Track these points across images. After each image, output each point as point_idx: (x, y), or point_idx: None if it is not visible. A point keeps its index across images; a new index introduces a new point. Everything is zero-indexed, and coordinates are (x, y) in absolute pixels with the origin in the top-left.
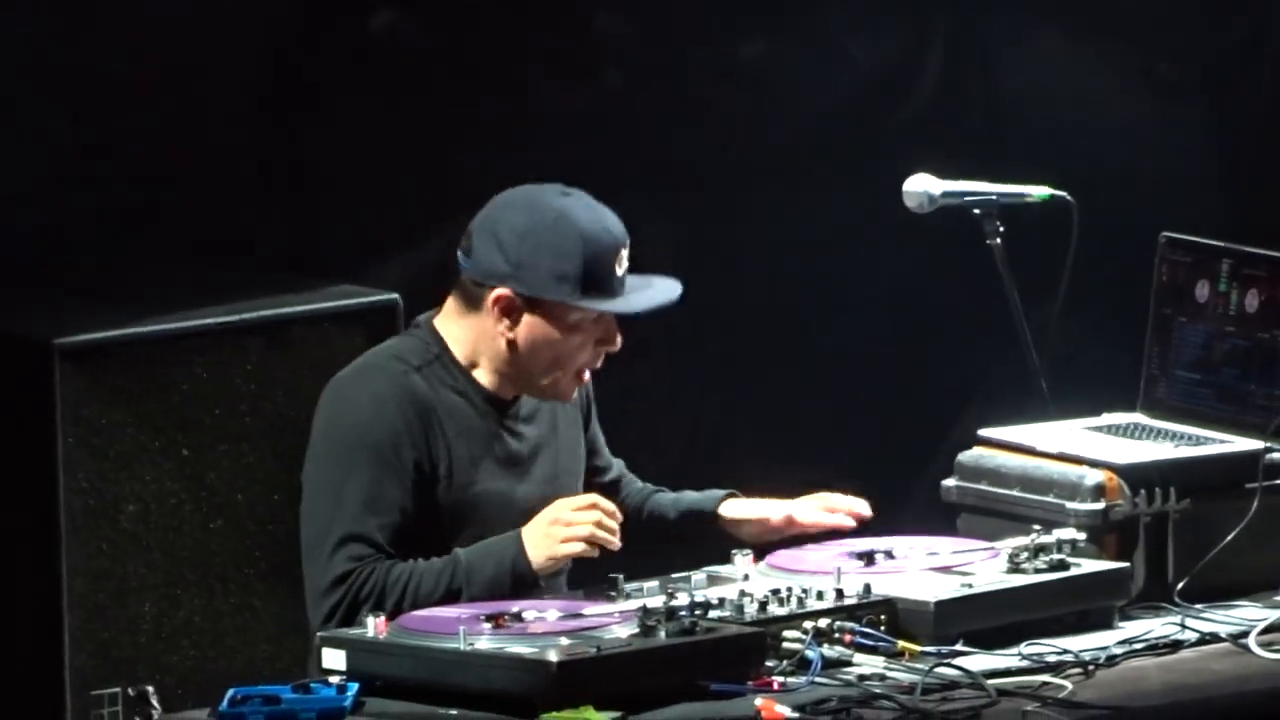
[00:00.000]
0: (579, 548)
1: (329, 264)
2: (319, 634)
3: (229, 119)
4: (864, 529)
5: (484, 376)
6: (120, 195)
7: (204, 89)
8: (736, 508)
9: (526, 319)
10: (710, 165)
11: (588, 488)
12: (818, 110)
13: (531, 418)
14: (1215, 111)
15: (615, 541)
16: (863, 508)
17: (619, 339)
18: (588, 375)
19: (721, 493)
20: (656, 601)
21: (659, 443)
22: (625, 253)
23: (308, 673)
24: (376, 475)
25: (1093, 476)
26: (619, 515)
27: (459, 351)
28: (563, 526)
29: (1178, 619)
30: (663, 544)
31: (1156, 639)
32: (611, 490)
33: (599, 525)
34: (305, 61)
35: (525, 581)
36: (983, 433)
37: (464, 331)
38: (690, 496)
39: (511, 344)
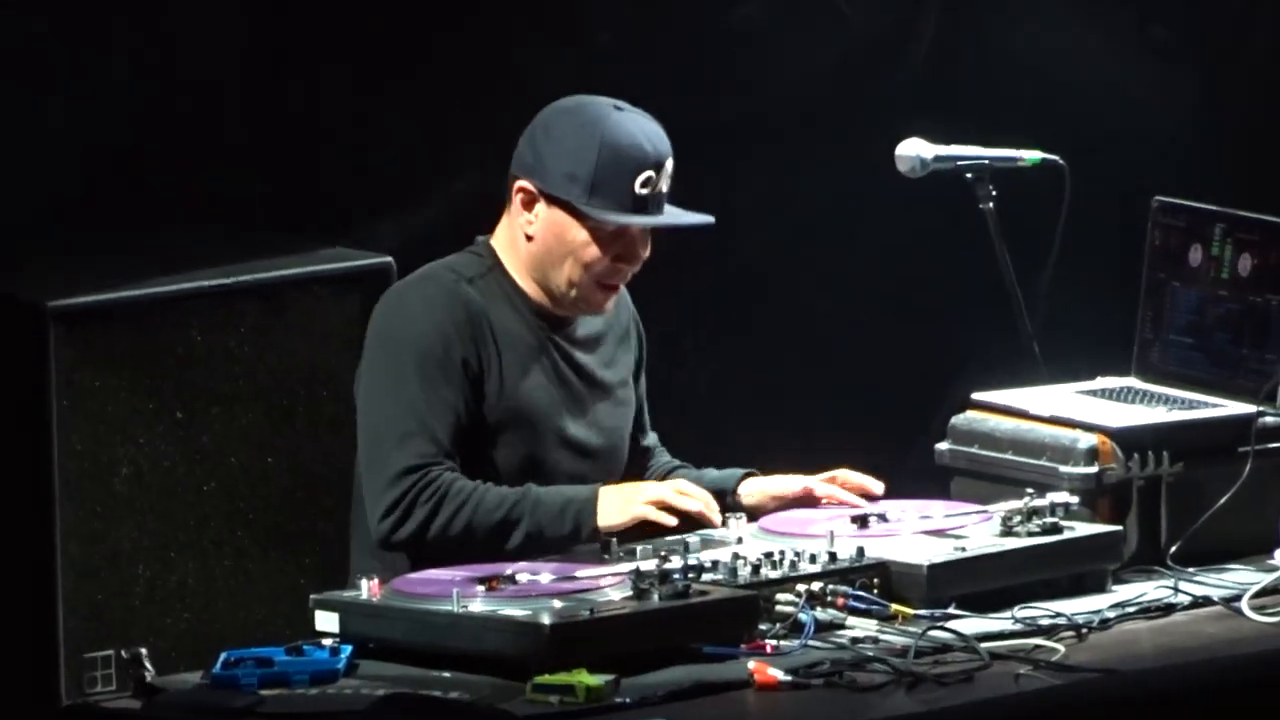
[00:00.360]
0: (656, 516)
1: (320, 227)
2: (312, 596)
3: (218, 81)
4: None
5: (527, 286)
6: (108, 158)
7: (193, 49)
8: (754, 485)
9: (543, 213)
10: (699, 128)
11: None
12: (809, 72)
13: (589, 344)
14: (1210, 74)
15: (694, 508)
16: (875, 486)
17: (640, 257)
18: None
19: (741, 471)
20: (650, 564)
21: (653, 404)
22: (653, 174)
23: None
24: (434, 377)
25: (1086, 440)
26: (710, 509)
27: (507, 262)
28: (644, 493)
29: (1171, 582)
30: None
31: (1149, 602)
32: (640, 458)
33: (679, 499)
34: (294, 22)
35: (581, 535)
36: (976, 396)
37: (505, 234)
38: (711, 475)
39: (531, 238)
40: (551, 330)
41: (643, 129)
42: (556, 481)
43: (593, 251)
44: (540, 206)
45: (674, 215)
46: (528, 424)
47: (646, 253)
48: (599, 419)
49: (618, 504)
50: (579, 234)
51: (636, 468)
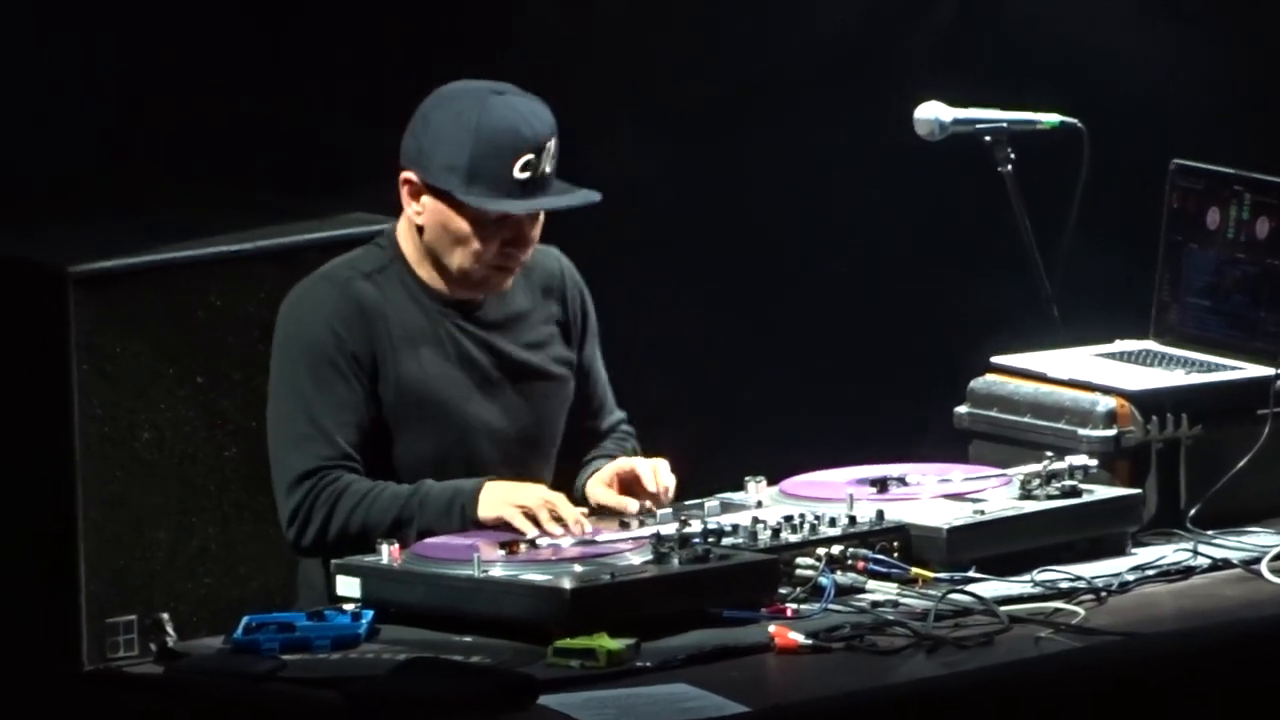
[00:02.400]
0: (520, 524)
1: (332, 191)
2: (333, 561)
3: (225, 41)
4: (878, 456)
5: (427, 275)
6: (125, 123)
7: (209, 12)
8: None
9: (428, 203)
10: (715, 88)
11: (573, 420)
12: (825, 33)
13: (505, 326)
14: (1228, 37)
15: (555, 531)
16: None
17: (530, 240)
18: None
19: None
20: (670, 528)
21: (667, 372)
22: (533, 158)
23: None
24: (327, 377)
25: (1104, 403)
26: (577, 529)
27: (407, 251)
28: (523, 498)
29: (1190, 545)
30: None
31: (1169, 565)
32: (588, 440)
33: (548, 518)
34: None
35: (468, 524)
36: (995, 360)
37: (403, 225)
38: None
39: (420, 229)
40: (458, 315)
41: (520, 112)
42: (482, 470)
43: (478, 240)
44: (425, 198)
45: (557, 196)
46: (432, 413)
47: (536, 234)
48: (521, 402)
49: (494, 500)
50: (463, 224)
51: (582, 451)
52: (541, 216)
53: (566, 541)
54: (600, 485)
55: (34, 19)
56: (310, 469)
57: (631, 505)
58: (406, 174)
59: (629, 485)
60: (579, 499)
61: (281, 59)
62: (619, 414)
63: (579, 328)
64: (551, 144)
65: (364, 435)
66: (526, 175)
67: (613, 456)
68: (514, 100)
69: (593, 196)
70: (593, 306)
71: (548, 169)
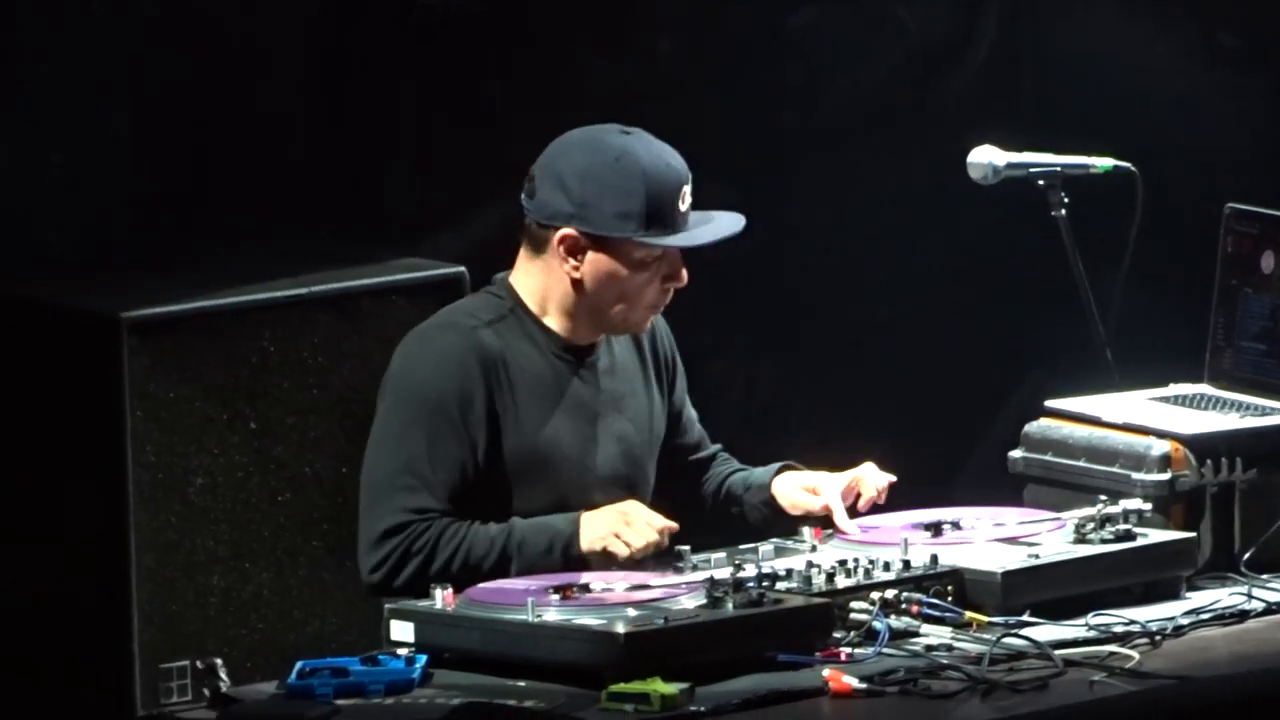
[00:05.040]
0: (624, 555)
1: (382, 238)
2: (387, 606)
3: (276, 93)
4: (929, 500)
5: (556, 323)
6: (177, 171)
7: (259, 62)
8: (782, 487)
9: (591, 256)
10: (764, 136)
11: (670, 460)
12: (870, 79)
13: (610, 371)
14: (1278, 79)
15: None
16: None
17: (685, 275)
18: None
19: (777, 467)
20: (724, 573)
21: (715, 412)
22: (688, 189)
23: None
24: (438, 431)
25: (1159, 447)
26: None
27: (531, 302)
28: (625, 526)
29: (1244, 589)
30: (741, 525)
31: (1223, 609)
32: (696, 469)
33: (656, 546)
34: (352, 33)
35: (571, 562)
36: (1049, 404)
37: (532, 278)
38: (756, 475)
39: (578, 284)
40: (577, 363)
41: (658, 150)
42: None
43: (646, 281)
44: (590, 252)
45: (712, 224)
46: (553, 465)
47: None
48: (625, 447)
49: (600, 532)
50: (633, 271)
51: (691, 483)
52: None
53: (620, 586)
54: (801, 491)
55: (90, 67)
56: (405, 521)
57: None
58: (565, 231)
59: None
60: (755, 499)
61: (337, 106)
62: (715, 445)
63: (670, 370)
64: (691, 174)
65: (469, 490)
66: (685, 207)
67: (735, 471)
68: (646, 138)
69: (739, 219)
70: (676, 349)
71: (692, 198)
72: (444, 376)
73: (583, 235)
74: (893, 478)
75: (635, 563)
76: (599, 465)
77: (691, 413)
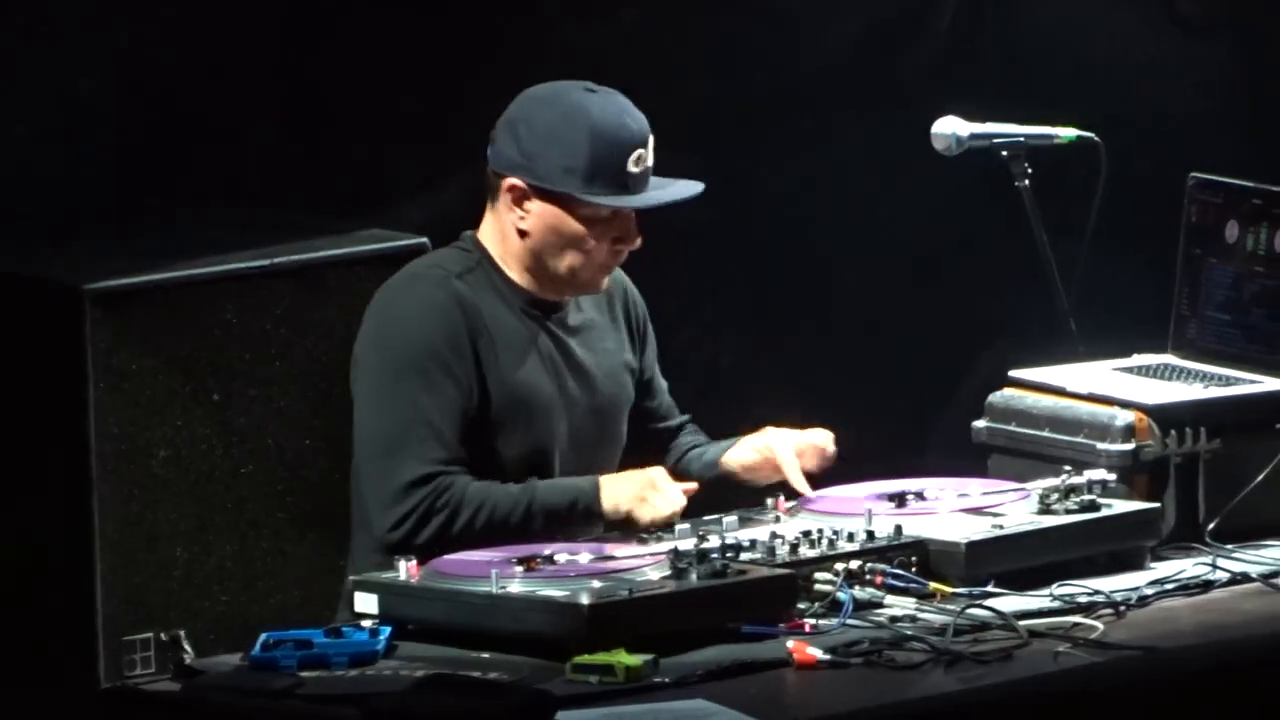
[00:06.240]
0: (649, 519)
1: (346, 206)
2: (350, 578)
3: (240, 63)
4: (894, 471)
5: (518, 277)
6: (139, 140)
7: (222, 31)
8: (734, 456)
9: (538, 207)
10: (730, 104)
11: (636, 426)
12: (834, 49)
13: (581, 329)
14: (1240, 48)
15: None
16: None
17: (637, 238)
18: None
19: (729, 442)
20: (688, 544)
21: (681, 379)
22: (643, 151)
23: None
24: (437, 379)
25: (1123, 417)
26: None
27: (495, 255)
28: (653, 491)
29: (1209, 559)
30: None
31: (1188, 579)
32: (661, 438)
33: (676, 514)
34: (318, 1)
35: (591, 522)
36: (1013, 374)
37: (492, 229)
38: (711, 450)
39: (525, 234)
40: (545, 318)
41: (623, 108)
42: (557, 470)
43: (592, 239)
44: (533, 202)
45: (668, 189)
46: (528, 414)
47: (637, 229)
48: (594, 406)
49: (626, 496)
50: (577, 225)
51: (659, 449)
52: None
53: (584, 558)
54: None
55: (51, 35)
56: (429, 473)
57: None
58: (511, 180)
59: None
60: (707, 475)
61: (299, 76)
62: (683, 415)
63: (640, 335)
64: (651, 137)
65: (468, 434)
66: (638, 170)
67: (695, 445)
68: (613, 97)
69: (695, 186)
70: (648, 315)
71: (651, 162)
72: (429, 325)
73: (529, 186)
74: (833, 449)
75: (655, 529)
76: (572, 418)
77: (661, 381)
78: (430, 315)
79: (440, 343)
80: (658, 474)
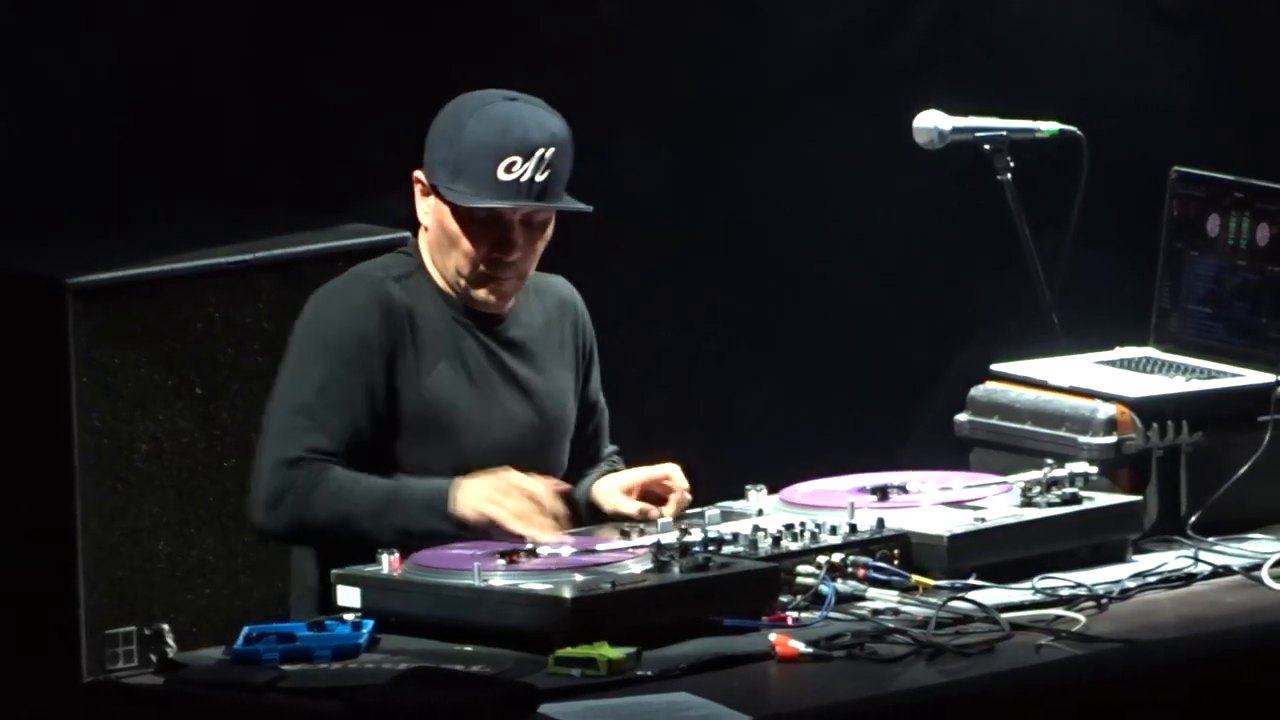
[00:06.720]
0: (505, 521)
1: (328, 201)
2: (334, 571)
3: (220, 57)
4: (876, 464)
5: (446, 284)
6: (124, 135)
7: (202, 25)
8: (598, 490)
9: (431, 202)
10: (710, 98)
11: (570, 448)
12: (816, 43)
13: (521, 346)
14: (1222, 42)
15: (541, 539)
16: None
17: (514, 245)
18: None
19: (599, 470)
20: (670, 537)
21: (662, 378)
22: (518, 160)
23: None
24: (332, 371)
25: (1105, 410)
26: (562, 522)
27: (428, 259)
28: (504, 494)
29: (1191, 552)
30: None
31: (1170, 572)
32: (583, 463)
33: (534, 515)
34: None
35: (449, 522)
36: (995, 367)
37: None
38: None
39: (426, 229)
40: (478, 329)
41: (516, 117)
42: None
43: (467, 239)
44: (430, 197)
45: (535, 200)
46: (448, 424)
47: (529, 244)
48: (530, 423)
49: (479, 497)
50: (453, 222)
51: (573, 474)
52: (547, 232)
53: (567, 551)
54: (618, 493)
55: (33, 29)
56: (296, 457)
57: (653, 511)
58: (416, 173)
59: (652, 488)
60: (581, 508)
61: (281, 72)
62: (612, 446)
63: (585, 357)
64: (547, 153)
65: (364, 437)
66: (509, 177)
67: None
68: (518, 106)
69: (575, 204)
70: (595, 340)
71: (538, 177)
72: (344, 321)
73: (425, 179)
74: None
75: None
76: (502, 436)
77: (601, 406)
78: (347, 314)
79: (349, 341)
80: (513, 476)
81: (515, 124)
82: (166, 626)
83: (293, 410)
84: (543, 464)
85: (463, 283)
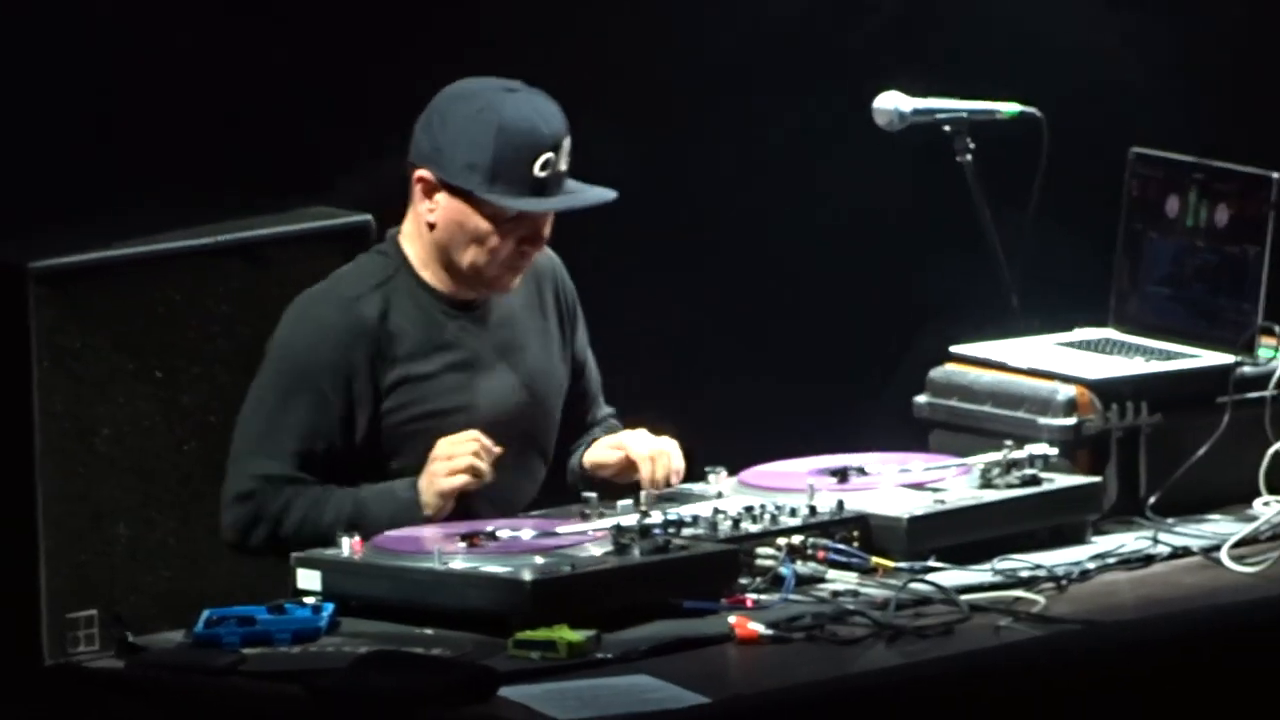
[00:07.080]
0: (461, 480)
1: (288, 184)
2: (294, 555)
3: (183, 40)
4: (835, 446)
5: (434, 277)
6: (86, 119)
7: (159, 11)
8: (595, 449)
9: (444, 201)
10: (673, 78)
11: (565, 413)
12: (781, 22)
13: (502, 322)
14: (1182, 24)
15: (487, 473)
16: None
17: (543, 238)
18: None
19: (590, 438)
20: (630, 520)
21: (620, 358)
22: (552, 156)
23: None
24: (300, 401)
25: (1064, 391)
26: (495, 450)
27: (413, 254)
28: (444, 461)
29: (1150, 533)
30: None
31: (1129, 553)
32: (580, 428)
33: (477, 455)
34: None
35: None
36: (954, 349)
37: (411, 226)
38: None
39: (432, 227)
40: (463, 317)
41: (538, 110)
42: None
43: (496, 238)
44: (441, 195)
45: (575, 195)
46: (440, 422)
47: (549, 232)
48: (524, 398)
49: (430, 483)
50: (481, 222)
51: (571, 440)
52: (553, 214)
53: (527, 534)
54: (607, 448)
55: None
56: (251, 490)
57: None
58: (421, 172)
59: (629, 466)
60: (575, 476)
61: (246, 55)
62: (608, 408)
63: (571, 322)
64: (566, 142)
65: (328, 457)
66: (545, 174)
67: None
68: (530, 98)
69: (608, 195)
70: (577, 298)
71: (563, 167)
72: (318, 351)
73: (437, 179)
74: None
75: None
76: (493, 417)
77: (593, 368)
78: (319, 336)
79: (322, 369)
80: (439, 443)
81: (540, 119)
82: (121, 612)
83: (255, 437)
84: (535, 439)
85: (479, 277)
